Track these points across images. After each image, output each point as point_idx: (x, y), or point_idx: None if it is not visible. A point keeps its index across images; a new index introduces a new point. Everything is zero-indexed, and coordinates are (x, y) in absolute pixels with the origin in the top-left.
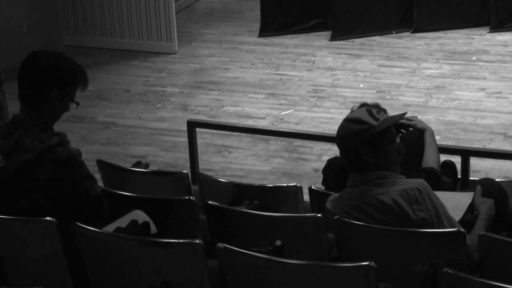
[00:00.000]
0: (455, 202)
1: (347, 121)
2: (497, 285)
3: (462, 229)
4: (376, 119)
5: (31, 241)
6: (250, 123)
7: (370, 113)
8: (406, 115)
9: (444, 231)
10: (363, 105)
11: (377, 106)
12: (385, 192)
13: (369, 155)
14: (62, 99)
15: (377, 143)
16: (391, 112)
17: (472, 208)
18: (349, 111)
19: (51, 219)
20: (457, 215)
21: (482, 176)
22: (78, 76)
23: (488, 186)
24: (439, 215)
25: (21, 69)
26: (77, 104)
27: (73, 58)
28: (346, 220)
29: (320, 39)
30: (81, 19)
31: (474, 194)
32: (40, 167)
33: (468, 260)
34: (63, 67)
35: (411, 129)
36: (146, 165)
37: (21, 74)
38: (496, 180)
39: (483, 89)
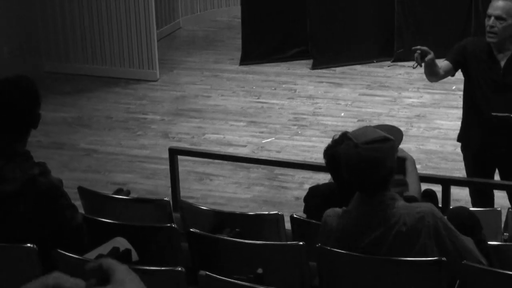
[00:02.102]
0: None
1: (373, 142)
2: None
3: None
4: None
5: (11, 268)
6: (231, 151)
7: (378, 130)
8: None
9: (425, 260)
10: (345, 133)
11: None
12: (399, 214)
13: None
14: (37, 123)
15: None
16: None
17: None
18: (330, 139)
19: (32, 245)
20: None
21: (463, 205)
22: (40, 96)
23: (460, 215)
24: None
25: None
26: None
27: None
28: (329, 248)
29: (301, 67)
30: (62, 45)
31: None
32: (21, 198)
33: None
34: (32, 92)
35: None
36: (127, 193)
37: None
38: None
39: None
